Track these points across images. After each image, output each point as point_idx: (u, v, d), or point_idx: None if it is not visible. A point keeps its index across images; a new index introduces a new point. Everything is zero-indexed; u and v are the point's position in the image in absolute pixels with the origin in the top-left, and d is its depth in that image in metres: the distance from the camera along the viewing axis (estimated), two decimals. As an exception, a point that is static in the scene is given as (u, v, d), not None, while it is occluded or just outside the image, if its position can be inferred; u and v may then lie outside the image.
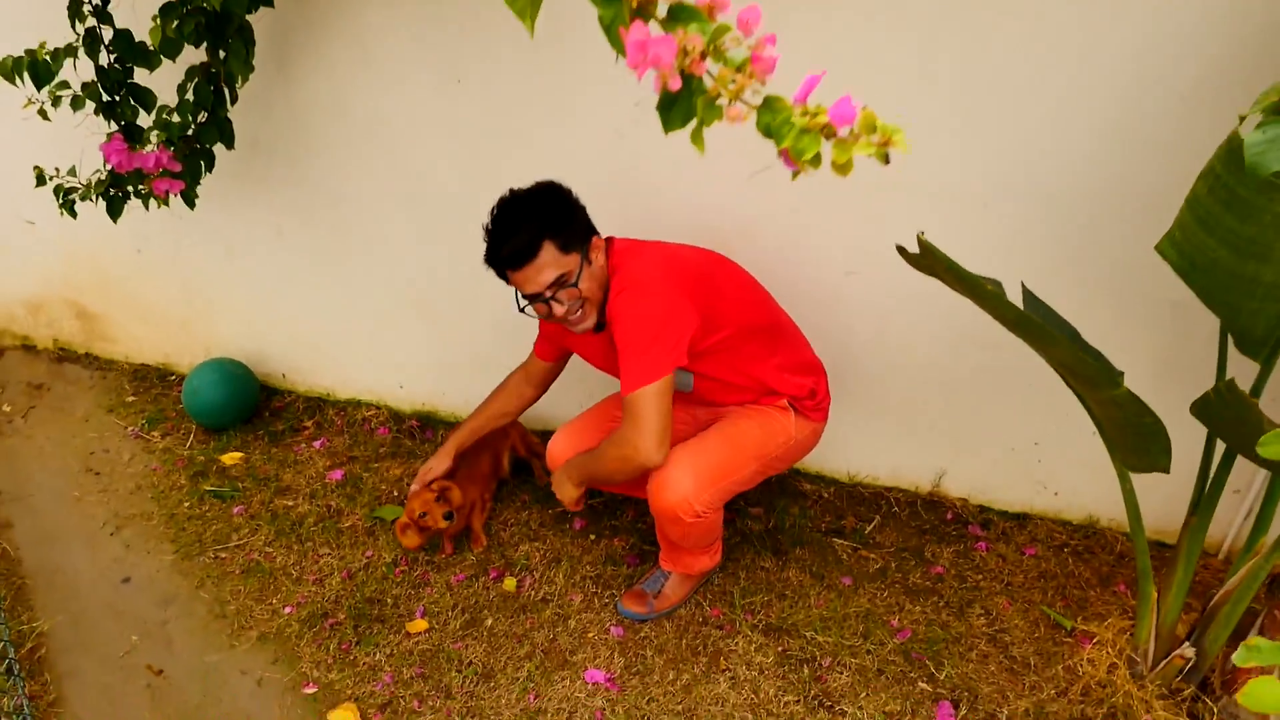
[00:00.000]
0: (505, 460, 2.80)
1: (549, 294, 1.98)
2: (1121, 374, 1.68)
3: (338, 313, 3.09)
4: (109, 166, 2.38)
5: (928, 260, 1.67)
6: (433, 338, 3.04)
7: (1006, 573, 2.51)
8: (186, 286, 3.24)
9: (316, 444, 3.07)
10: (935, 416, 2.64)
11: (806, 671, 2.21)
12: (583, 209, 2.06)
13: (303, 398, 3.31)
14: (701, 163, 2.43)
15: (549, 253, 1.95)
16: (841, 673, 2.20)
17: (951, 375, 2.55)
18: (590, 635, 2.32)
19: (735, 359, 2.17)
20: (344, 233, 2.91)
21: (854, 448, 2.79)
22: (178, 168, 2.30)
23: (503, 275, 2.04)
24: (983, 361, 2.49)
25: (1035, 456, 2.61)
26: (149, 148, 2.25)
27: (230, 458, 2.99)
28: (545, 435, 2.67)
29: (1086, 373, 1.67)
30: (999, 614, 2.37)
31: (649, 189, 2.52)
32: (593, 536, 2.64)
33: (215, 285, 3.19)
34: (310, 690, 2.19)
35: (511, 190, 2.03)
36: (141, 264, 3.24)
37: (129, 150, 2.18)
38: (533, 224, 1.96)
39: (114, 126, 2.39)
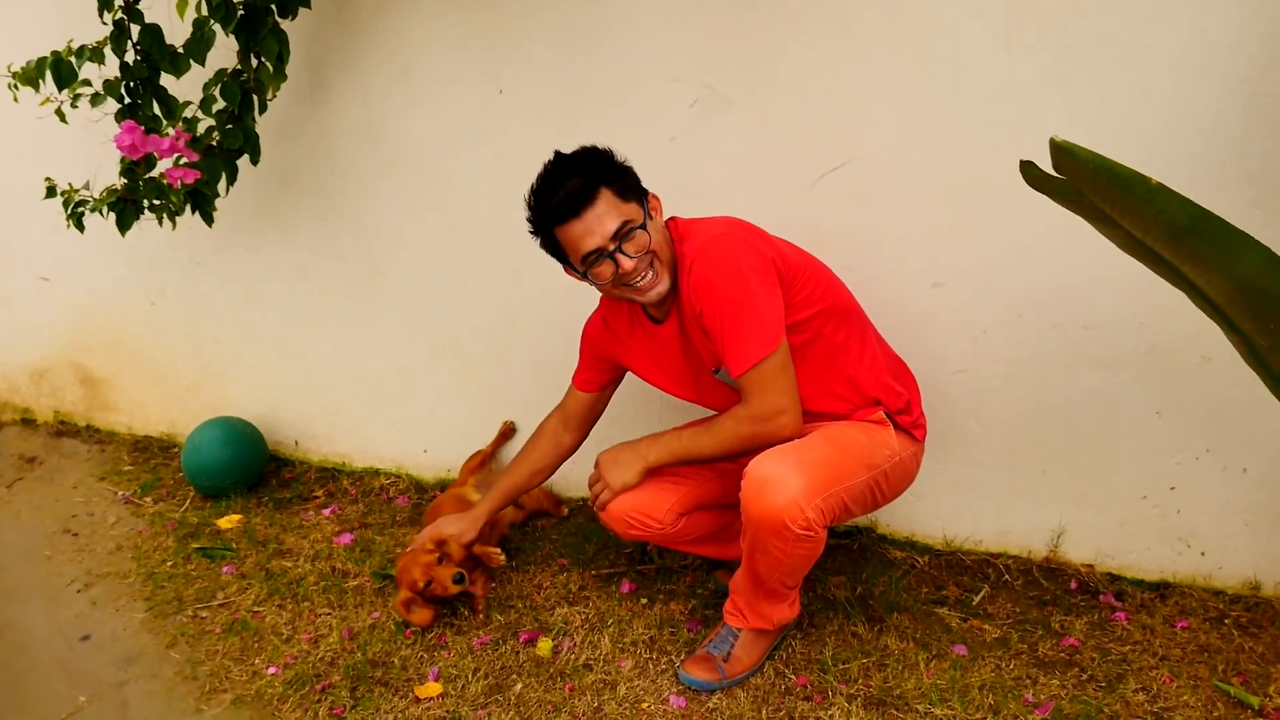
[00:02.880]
0: None
1: (613, 246, 1.70)
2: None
3: (360, 364, 2.81)
4: (121, 169, 2.20)
5: (1069, 166, 1.36)
6: (463, 390, 2.72)
7: (1158, 645, 2.01)
8: (199, 342, 2.99)
9: (326, 511, 2.70)
10: (1046, 461, 2.24)
11: (926, 750, 1.71)
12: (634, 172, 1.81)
13: (315, 468, 2.96)
14: (763, 167, 2.21)
15: (607, 199, 1.69)
16: (971, 753, 1.70)
17: (1063, 405, 2.16)
18: (645, 705, 1.85)
19: (824, 352, 1.84)
20: (371, 269, 2.68)
21: (950, 507, 2.36)
22: (195, 157, 2.10)
23: (552, 242, 1.77)
24: (1099, 385, 2.12)
25: (1173, 505, 2.17)
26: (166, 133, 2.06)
27: (227, 521, 2.61)
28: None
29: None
30: (1161, 690, 1.87)
31: (706, 197, 2.27)
32: (644, 600, 2.20)
33: (230, 338, 2.94)
34: (289, 761, 1.73)
35: (556, 152, 1.80)
36: (154, 318, 3.01)
37: (143, 134, 1.99)
38: (586, 172, 1.71)
39: (135, 131, 2.23)
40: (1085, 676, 1.92)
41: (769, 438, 1.73)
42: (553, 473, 2.22)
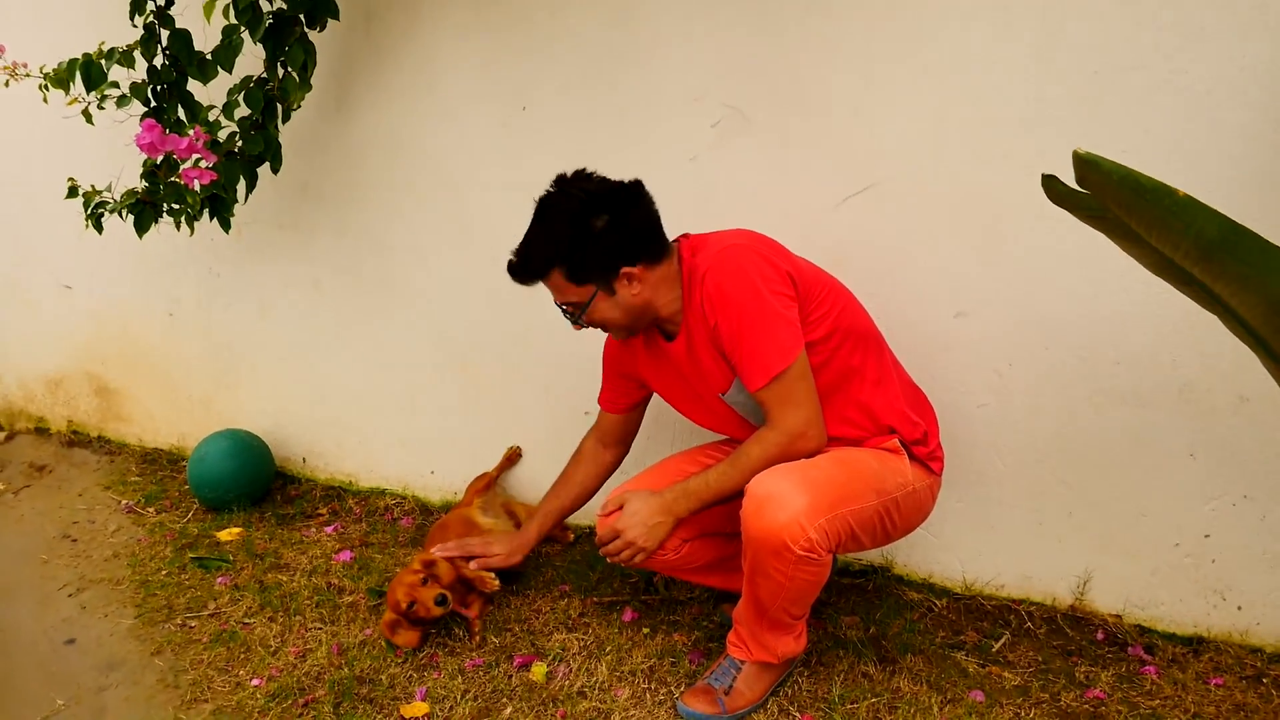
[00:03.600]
0: None
1: (566, 310, 1.78)
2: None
3: (370, 380, 2.78)
4: (143, 172, 2.21)
5: (1093, 179, 1.30)
6: (473, 412, 2.68)
7: (1190, 702, 1.89)
8: (214, 355, 2.98)
9: (329, 529, 2.64)
10: (1073, 503, 2.13)
11: (937, 797, 1.60)
12: (618, 234, 1.69)
13: (321, 486, 2.92)
14: (785, 189, 2.17)
15: (556, 281, 1.73)
16: (986, 802, 1.59)
17: (1091, 444, 2.07)
18: (639, 736, 1.75)
19: (838, 375, 1.77)
20: (386, 285, 2.66)
21: (970, 548, 2.26)
22: (213, 159, 2.11)
23: None
24: (1130, 423, 2.02)
25: (1207, 554, 2.06)
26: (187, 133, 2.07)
27: (227, 534, 2.57)
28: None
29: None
30: (1193, 748, 1.75)
31: (726, 218, 2.22)
32: (646, 630, 2.11)
33: (244, 351, 2.93)
34: (264, 776, 1.65)
35: (557, 184, 1.74)
36: (171, 329, 3.01)
37: (162, 133, 2.00)
38: (546, 245, 1.71)
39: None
40: (1111, 730, 1.80)
41: (797, 455, 1.68)
42: (597, 491, 2.17)
